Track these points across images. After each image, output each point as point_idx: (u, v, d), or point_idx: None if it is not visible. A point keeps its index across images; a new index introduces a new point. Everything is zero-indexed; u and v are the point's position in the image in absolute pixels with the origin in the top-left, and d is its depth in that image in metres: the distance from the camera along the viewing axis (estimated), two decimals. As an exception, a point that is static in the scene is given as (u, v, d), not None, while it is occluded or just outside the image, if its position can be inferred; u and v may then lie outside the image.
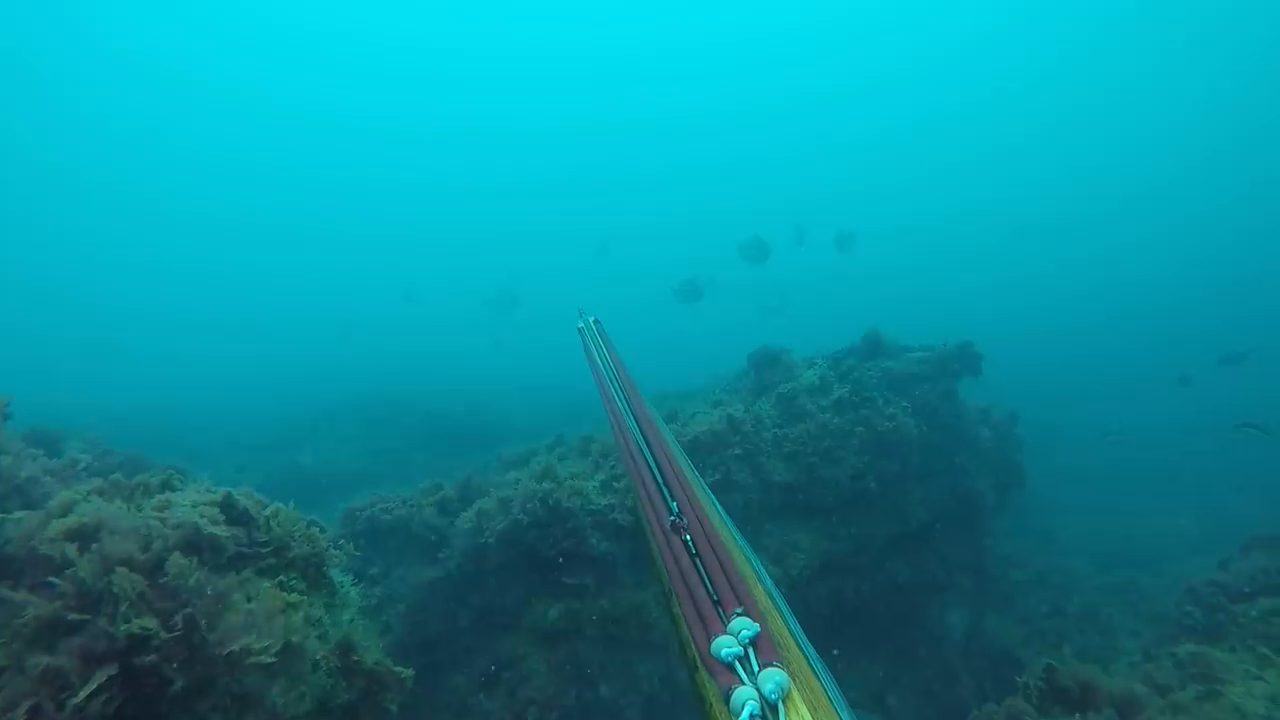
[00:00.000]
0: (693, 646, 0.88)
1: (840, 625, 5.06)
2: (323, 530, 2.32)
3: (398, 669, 2.05)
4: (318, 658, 1.83)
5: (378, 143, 49.97)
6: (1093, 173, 39.43)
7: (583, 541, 4.16)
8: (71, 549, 1.60)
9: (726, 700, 0.80)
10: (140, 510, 1.99)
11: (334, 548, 2.17)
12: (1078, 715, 2.94)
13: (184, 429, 13.17)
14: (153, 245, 42.18)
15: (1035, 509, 9.16)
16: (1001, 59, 45.80)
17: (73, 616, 1.57)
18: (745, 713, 0.77)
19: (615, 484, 4.48)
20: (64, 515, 1.73)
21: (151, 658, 1.49)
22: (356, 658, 1.95)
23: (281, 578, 1.92)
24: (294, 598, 1.85)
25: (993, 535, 6.78)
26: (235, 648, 1.60)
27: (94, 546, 1.65)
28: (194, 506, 2.02)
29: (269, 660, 1.63)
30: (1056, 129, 43.15)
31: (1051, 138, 43.05)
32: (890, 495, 5.25)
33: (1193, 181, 36.25)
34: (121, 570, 1.64)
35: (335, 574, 2.17)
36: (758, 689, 0.79)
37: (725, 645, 0.84)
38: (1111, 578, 7.93)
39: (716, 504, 1.20)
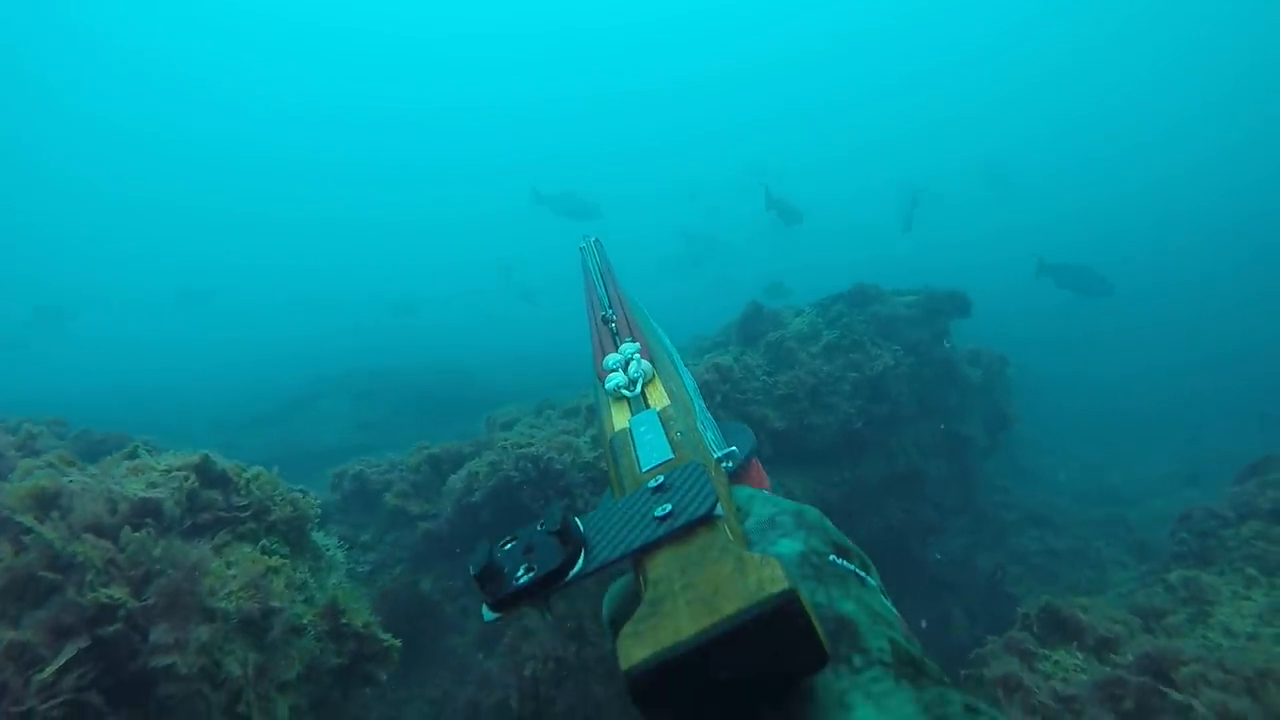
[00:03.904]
0: (594, 368, 1.17)
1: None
2: (305, 493, 2.24)
3: (385, 636, 1.99)
4: (304, 622, 1.77)
5: (363, 129, 49.50)
6: (1090, 121, 39.28)
7: (575, 497, 4.12)
8: (29, 518, 1.51)
9: (604, 385, 1.09)
10: (110, 475, 1.91)
11: (316, 509, 2.10)
12: (1074, 644, 2.96)
13: (166, 410, 13.01)
14: (133, 231, 41.42)
15: (1024, 450, 9.26)
16: (997, 9, 45.27)
17: (44, 574, 1.50)
18: (609, 384, 1.06)
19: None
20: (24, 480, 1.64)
21: (118, 626, 1.42)
22: (345, 621, 1.90)
23: (264, 542, 1.85)
24: (276, 561, 1.78)
25: (983, 476, 6.84)
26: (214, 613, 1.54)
27: (55, 514, 1.57)
28: (168, 470, 1.94)
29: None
30: (1050, 79, 42.81)
31: (1045, 88, 42.72)
32: (882, 439, 5.24)
33: (1199, 124, 36.13)
34: (89, 536, 1.56)
35: (319, 537, 2.10)
36: (626, 373, 1.07)
37: (612, 357, 1.12)
38: (1098, 513, 8.07)
39: (646, 313, 1.54)
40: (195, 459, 2.01)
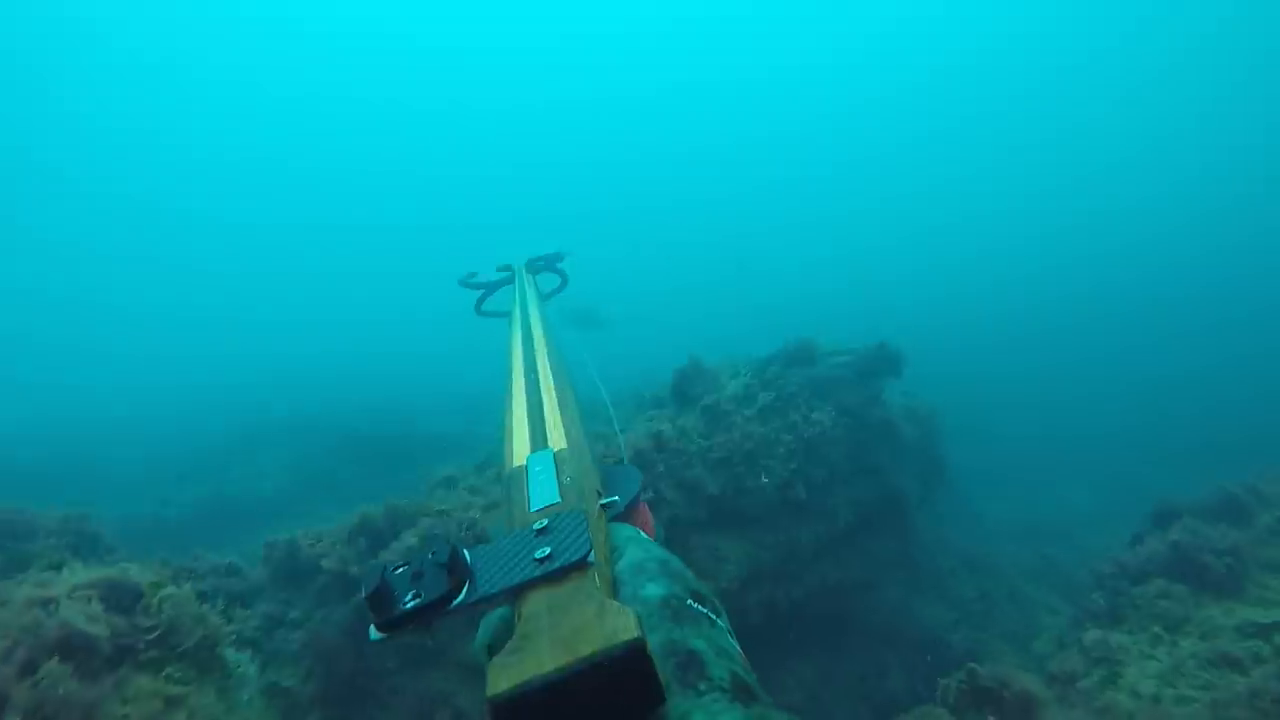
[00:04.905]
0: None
1: (774, 631, 5.16)
2: (236, 607, 2.21)
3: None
4: (208, 753, 1.74)
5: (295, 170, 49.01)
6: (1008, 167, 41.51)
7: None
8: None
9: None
10: (20, 589, 1.86)
11: (229, 625, 2.07)
12: (991, 717, 3.07)
13: (99, 462, 12.42)
14: (47, 274, 39.75)
15: (957, 494, 9.52)
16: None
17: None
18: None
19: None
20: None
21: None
22: (253, 744, 1.86)
23: (168, 670, 1.81)
24: (177, 690, 1.75)
25: (920, 526, 7.02)
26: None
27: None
28: (73, 593, 1.90)
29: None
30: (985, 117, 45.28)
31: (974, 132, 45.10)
32: (818, 500, 5.36)
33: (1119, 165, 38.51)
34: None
35: (230, 653, 2.06)
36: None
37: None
38: (1030, 555, 8.36)
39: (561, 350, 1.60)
40: (109, 574, 1.97)
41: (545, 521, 0.83)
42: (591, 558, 0.75)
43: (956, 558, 7.69)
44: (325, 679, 4.22)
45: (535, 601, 0.71)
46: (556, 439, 1.13)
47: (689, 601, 0.80)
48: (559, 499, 0.92)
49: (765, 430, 5.18)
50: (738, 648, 0.79)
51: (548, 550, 0.76)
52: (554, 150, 50.32)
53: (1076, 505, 10.91)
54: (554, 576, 0.74)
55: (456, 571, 0.76)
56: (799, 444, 5.22)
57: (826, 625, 5.47)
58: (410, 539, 4.37)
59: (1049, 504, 11.01)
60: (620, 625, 0.60)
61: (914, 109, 47.76)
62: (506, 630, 0.83)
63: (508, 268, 3.01)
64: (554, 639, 0.62)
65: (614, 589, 0.82)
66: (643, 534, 1.01)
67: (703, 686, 0.67)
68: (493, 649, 0.89)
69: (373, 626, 0.76)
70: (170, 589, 1.93)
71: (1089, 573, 5.08)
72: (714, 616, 0.81)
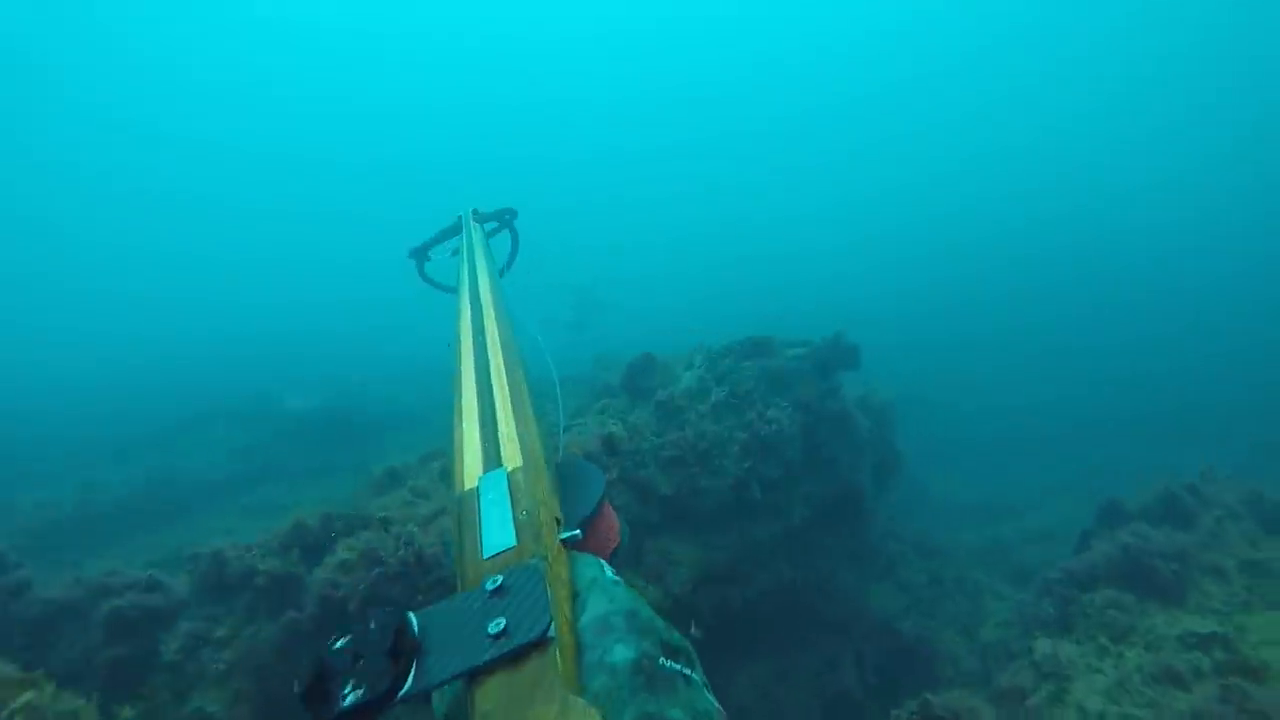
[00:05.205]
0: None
1: (728, 631, 5.10)
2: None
3: None
4: None
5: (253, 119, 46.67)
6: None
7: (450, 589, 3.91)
8: None
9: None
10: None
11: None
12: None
13: (27, 441, 11.72)
14: None
15: (910, 477, 9.63)
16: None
17: None
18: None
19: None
20: None
21: None
22: None
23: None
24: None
25: (874, 515, 7.03)
26: None
27: None
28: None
29: None
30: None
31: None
32: (772, 498, 5.26)
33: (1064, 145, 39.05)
34: None
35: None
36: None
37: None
38: (979, 539, 8.52)
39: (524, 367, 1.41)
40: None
41: (500, 578, 0.76)
42: (552, 631, 0.69)
43: (908, 542, 7.78)
44: (255, 701, 4.03)
45: (491, 693, 0.65)
46: (511, 453, 1.03)
47: (661, 661, 0.75)
48: (514, 542, 0.84)
49: (719, 429, 5.04)
50: (715, 704, 0.75)
51: (503, 623, 0.69)
52: (521, 110, 49.08)
53: (1026, 483, 11.16)
54: (511, 658, 0.67)
55: (401, 654, 0.68)
56: (754, 442, 5.09)
57: (779, 623, 5.43)
58: (344, 553, 4.14)
59: (999, 483, 11.26)
60: None
61: (884, 90, 47.75)
62: (460, 707, 0.76)
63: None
64: None
65: (578, 652, 0.76)
66: (607, 570, 0.93)
67: None
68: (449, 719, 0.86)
69: None
70: (29, 695, 1.67)
71: (1036, 561, 5.12)
72: (688, 672, 0.76)
